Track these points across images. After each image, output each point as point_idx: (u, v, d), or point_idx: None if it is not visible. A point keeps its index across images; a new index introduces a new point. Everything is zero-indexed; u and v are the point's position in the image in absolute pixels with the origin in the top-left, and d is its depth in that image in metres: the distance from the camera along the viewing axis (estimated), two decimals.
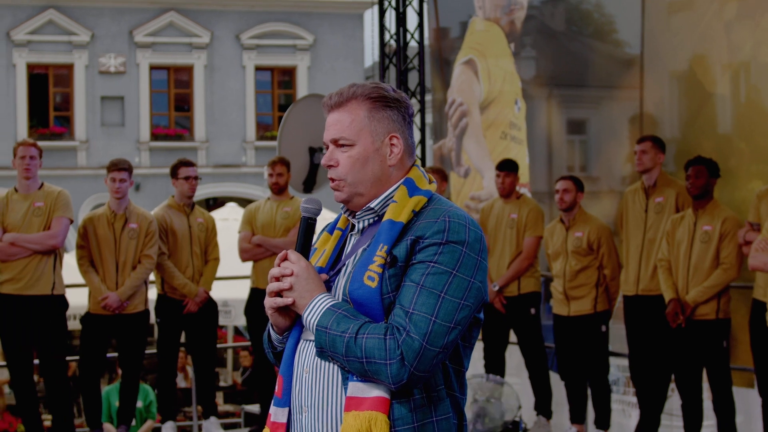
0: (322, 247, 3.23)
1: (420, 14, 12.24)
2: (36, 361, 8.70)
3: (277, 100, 29.20)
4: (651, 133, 9.17)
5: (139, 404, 12.22)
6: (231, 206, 17.96)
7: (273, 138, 28.27)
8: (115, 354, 9.33)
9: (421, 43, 12.18)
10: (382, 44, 12.17)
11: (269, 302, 3.10)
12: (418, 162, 3.22)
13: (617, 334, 9.00)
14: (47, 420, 9.83)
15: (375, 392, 2.91)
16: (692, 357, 8.07)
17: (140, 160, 27.27)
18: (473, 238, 2.97)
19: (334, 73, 28.69)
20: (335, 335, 2.91)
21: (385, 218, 3.03)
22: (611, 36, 11.41)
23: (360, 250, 3.08)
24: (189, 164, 9.35)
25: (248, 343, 17.36)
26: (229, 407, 15.11)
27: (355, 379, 2.94)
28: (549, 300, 9.74)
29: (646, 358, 8.61)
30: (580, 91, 11.84)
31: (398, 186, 3.10)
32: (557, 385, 9.49)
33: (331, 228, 3.26)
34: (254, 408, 10.20)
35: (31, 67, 27.14)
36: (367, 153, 3.09)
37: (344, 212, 3.22)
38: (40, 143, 8.79)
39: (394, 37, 12.11)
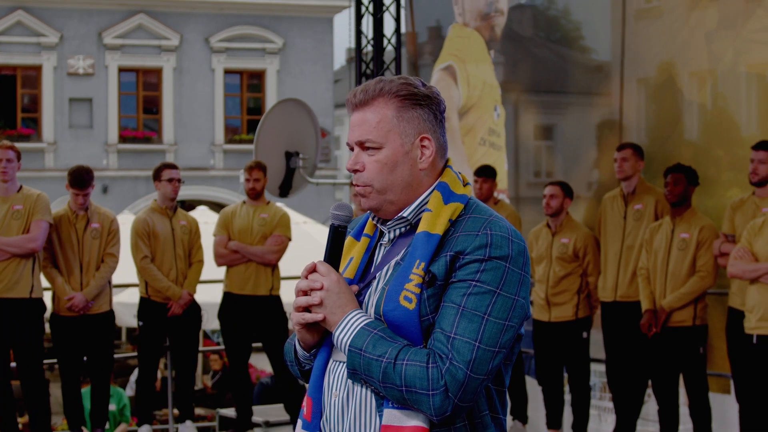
0: (348, 254, 2.96)
1: (397, 19, 12.27)
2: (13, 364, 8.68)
3: (246, 104, 29.17)
4: (629, 141, 9.24)
5: (113, 407, 12.18)
6: (202, 209, 17.90)
7: (242, 141, 28.26)
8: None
9: (398, 47, 12.21)
10: (359, 49, 12.20)
11: (297, 317, 2.85)
12: (451, 162, 2.95)
13: (593, 339, 9.06)
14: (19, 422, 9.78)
15: (413, 421, 2.70)
16: (669, 363, 8.15)
17: (108, 163, 27.16)
18: (516, 251, 2.74)
19: (303, 76, 28.71)
20: (371, 359, 2.69)
21: (419, 229, 2.78)
22: (578, 42, 11.47)
23: (393, 263, 2.84)
24: (172, 167, 9.35)
25: (219, 348, 17.38)
26: (200, 410, 15.07)
27: (390, 406, 2.72)
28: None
29: (623, 363, 8.67)
30: (549, 97, 11.88)
31: (431, 191, 2.85)
32: (533, 390, 9.54)
33: (356, 233, 3.00)
34: (229, 411, 10.19)
35: None
36: (396, 156, 2.83)
37: (372, 218, 2.96)
38: None
39: (371, 42, 12.13)
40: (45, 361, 8.96)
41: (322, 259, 2.90)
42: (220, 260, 9.38)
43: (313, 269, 2.83)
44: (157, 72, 28.11)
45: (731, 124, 9.28)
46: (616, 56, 10.23)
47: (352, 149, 2.90)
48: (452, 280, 2.73)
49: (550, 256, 8.93)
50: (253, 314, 9.25)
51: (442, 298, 2.73)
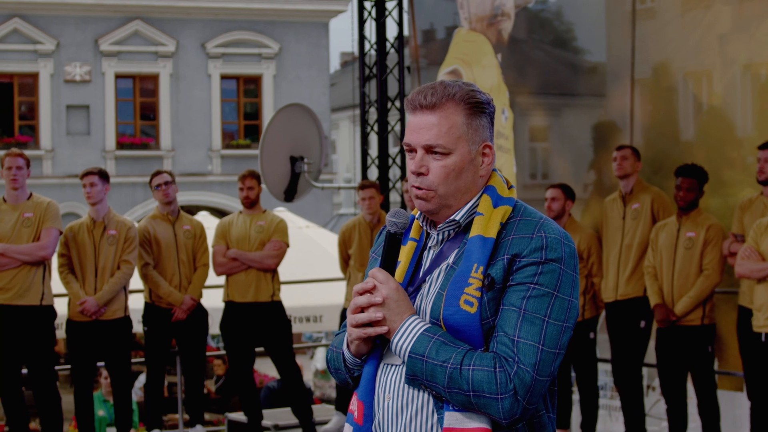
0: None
1: (399, 24, 12.34)
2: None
3: (242, 109, 29.22)
4: (629, 142, 9.30)
5: (101, 413, 12.20)
6: (203, 215, 17.92)
7: (239, 146, 28.30)
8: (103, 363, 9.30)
9: (400, 51, 12.27)
10: (362, 53, 12.26)
11: (357, 333, 2.86)
12: (495, 166, 2.99)
13: (601, 339, 9.11)
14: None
15: (475, 423, 2.74)
16: (677, 362, 8.20)
17: (106, 169, 27.16)
18: (568, 253, 2.79)
19: (299, 81, 28.76)
20: (435, 365, 2.72)
21: (472, 233, 2.81)
22: (571, 44, 11.51)
23: (444, 266, 2.86)
24: (158, 173, 9.40)
25: (222, 353, 17.39)
26: (205, 415, 15.08)
27: (451, 408, 2.75)
28: None
29: (628, 362, 8.73)
30: (543, 99, 11.91)
31: (481, 195, 2.88)
32: None
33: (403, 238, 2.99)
34: (238, 416, 10.22)
35: None
36: (463, 163, 2.84)
37: (421, 221, 2.96)
38: (4, 153, 8.80)
39: (374, 46, 12.19)
40: (58, 368, 8.99)
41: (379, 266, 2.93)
42: (219, 269, 9.41)
43: (367, 290, 2.85)
44: (154, 78, 28.15)
45: (725, 124, 9.35)
46: (623, 58, 10.24)
47: (411, 150, 2.89)
48: (510, 283, 2.76)
49: None
50: (256, 321, 9.30)
51: (500, 300, 2.76)
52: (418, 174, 2.86)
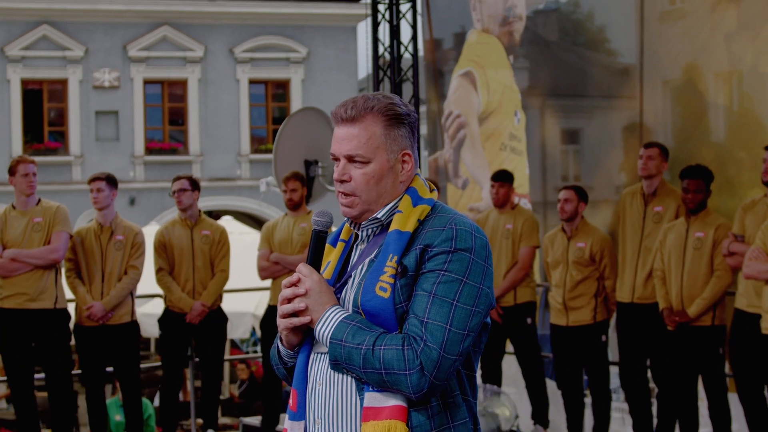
0: (326, 259, 3.23)
1: (414, 27, 12.30)
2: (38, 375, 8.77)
3: (271, 113, 29.26)
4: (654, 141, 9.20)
5: (118, 418, 12.25)
6: (227, 219, 18.00)
7: (268, 151, 28.30)
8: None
9: (415, 55, 12.22)
10: (376, 57, 12.22)
11: (284, 323, 3.11)
12: (419, 171, 3.25)
13: (613, 342, 9.06)
14: None
15: (392, 401, 2.95)
16: (688, 364, 8.12)
17: (135, 175, 27.29)
18: (479, 244, 3.01)
19: (327, 85, 28.77)
20: (351, 348, 2.95)
21: (391, 228, 3.05)
22: (604, 45, 11.47)
23: (367, 261, 3.10)
24: (176, 179, 9.41)
25: (245, 356, 17.50)
26: (226, 420, 15.14)
27: (371, 389, 2.97)
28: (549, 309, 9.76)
29: (639, 365, 8.67)
30: (574, 101, 11.89)
31: (402, 196, 3.13)
32: (554, 393, 9.53)
33: (333, 240, 3.26)
34: (252, 420, 10.24)
35: (25, 83, 27.16)
36: (382, 171, 3.10)
37: (348, 223, 3.23)
38: (35, 158, 8.93)
39: (388, 49, 12.14)
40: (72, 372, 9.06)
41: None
42: (262, 273, 9.43)
43: (293, 282, 3.11)
44: (183, 83, 28.24)
45: (755, 125, 9.26)
46: (638, 58, 10.22)
47: (337, 159, 3.15)
48: (422, 270, 3.00)
49: (566, 261, 8.91)
50: None
51: (413, 288, 3.00)
52: (342, 181, 3.13)
